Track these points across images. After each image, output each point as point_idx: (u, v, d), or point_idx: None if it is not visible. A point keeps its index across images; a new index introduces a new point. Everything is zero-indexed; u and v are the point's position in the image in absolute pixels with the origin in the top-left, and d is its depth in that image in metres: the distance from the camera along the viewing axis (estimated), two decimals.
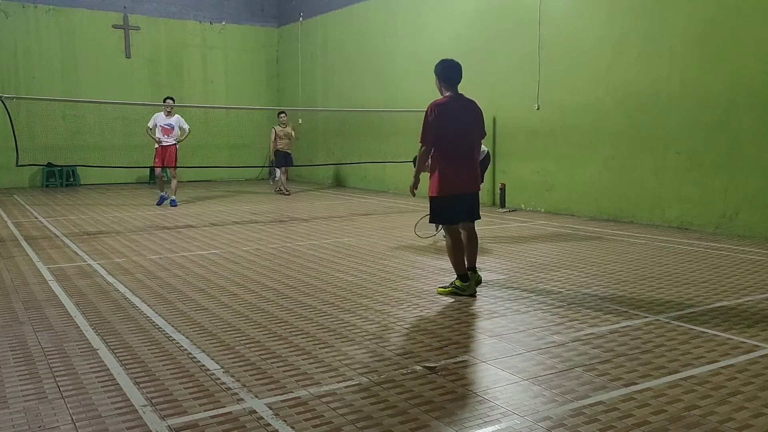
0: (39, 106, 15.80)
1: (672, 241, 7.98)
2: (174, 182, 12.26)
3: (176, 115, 12.10)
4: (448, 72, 5.38)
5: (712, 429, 2.93)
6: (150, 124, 11.95)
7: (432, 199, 5.42)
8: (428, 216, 5.72)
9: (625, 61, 9.55)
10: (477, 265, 5.63)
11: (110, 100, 15.25)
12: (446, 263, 6.06)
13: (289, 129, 14.37)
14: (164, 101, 12.25)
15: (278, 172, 14.78)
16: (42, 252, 7.38)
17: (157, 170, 12.32)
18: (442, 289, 5.44)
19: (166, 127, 11.87)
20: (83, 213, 11.06)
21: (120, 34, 17.12)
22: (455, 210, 5.34)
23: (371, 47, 15.17)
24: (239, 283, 5.85)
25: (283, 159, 14.31)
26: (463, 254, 5.39)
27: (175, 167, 12.12)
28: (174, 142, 11.94)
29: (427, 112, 5.29)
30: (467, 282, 5.34)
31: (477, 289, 5.43)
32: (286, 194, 14.29)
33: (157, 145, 11.87)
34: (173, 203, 12.15)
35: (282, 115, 14.46)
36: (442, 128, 5.25)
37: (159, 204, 12.20)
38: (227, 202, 13.03)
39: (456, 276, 5.40)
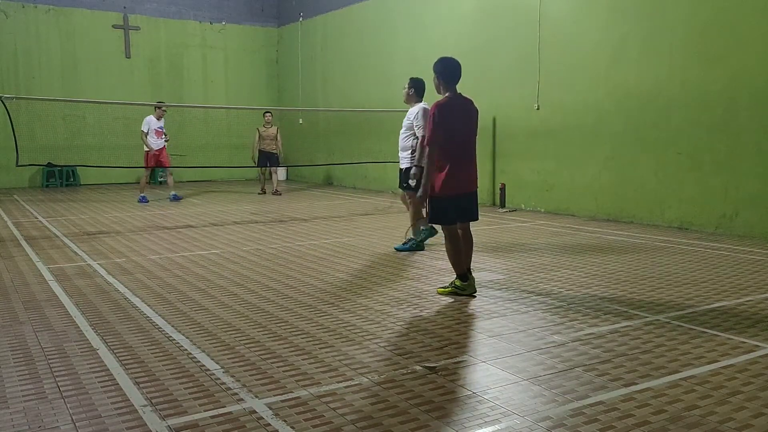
0: (39, 106, 15.79)
1: (672, 241, 7.97)
2: (170, 179, 13.42)
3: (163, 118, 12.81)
4: (449, 70, 5.34)
5: (712, 429, 2.93)
6: (144, 128, 12.44)
7: (431, 198, 5.41)
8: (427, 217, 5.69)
9: (625, 61, 9.55)
10: (476, 265, 5.62)
11: (110, 100, 15.31)
12: (446, 263, 6.06)
13: (274, 130, 14.06)
14: (157, 105, 12.75)
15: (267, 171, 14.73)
16: (42, 252, 7.38)
17: (149, 171, 12.76)
18: (442, 289, 5.43)
19: (159, 129, 12.50)
20: (83, 213, 11.06)
21: (120, 34, 17.12)
22: (453, 210, 5.32)
23: (371, 47, 15.17)
24: (239, 283, 5.85)
25: (265, 159, 14.17)
26: (462, 254, 5.37)
27: (170, 166, 13.19)
28: (165, 143, 12.65)
29: (431, 112, 5.25)
30: (467, 282, 5.34)
31: (477, 288, 5.43)
32: (261, 193, 14.47)
33: (147, 149, 12.43)
34: (176, 197, 12.92)
35: (267, 114, 14.24)
36: (446, 127, 5.23)
37: (142, 202, 12.50)
38: (227, 202, 13.04)
39: (456, 276, 5.40)
